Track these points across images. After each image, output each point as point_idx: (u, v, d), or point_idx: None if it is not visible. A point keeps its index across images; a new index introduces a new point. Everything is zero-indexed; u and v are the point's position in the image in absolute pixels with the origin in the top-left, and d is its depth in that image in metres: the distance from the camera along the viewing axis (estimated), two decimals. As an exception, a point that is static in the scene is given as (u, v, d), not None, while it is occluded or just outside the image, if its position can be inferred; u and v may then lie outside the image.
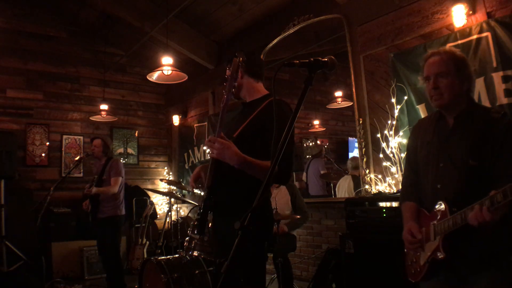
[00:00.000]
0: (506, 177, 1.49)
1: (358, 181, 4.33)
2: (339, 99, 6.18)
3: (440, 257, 1.62)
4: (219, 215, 2.07)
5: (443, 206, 1.66)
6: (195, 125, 6.80)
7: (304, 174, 6.39)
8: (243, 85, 2.21)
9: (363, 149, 4.00)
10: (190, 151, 6.93)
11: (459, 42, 3.23)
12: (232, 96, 2.27)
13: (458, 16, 3.21)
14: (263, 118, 2.02)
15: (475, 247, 1.61)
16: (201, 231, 2.08)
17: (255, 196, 1.27)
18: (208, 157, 6.26)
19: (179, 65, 5.35)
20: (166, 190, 6.76)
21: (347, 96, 5.92)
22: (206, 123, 6.46)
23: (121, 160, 5.46)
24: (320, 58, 1.38)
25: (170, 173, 7.55)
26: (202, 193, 2.18)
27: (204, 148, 6.49)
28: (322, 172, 6.07)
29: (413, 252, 1.80)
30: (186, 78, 4.56)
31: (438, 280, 1.71)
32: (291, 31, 4.77)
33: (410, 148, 1.96)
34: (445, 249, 1.61)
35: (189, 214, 6.92)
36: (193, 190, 2.35)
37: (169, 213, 5.57)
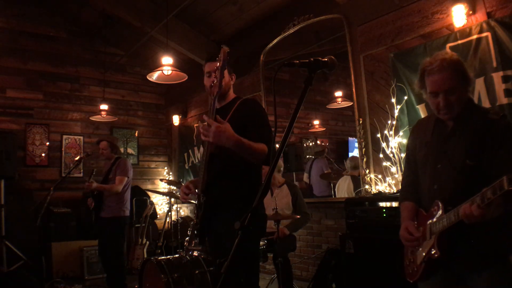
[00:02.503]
0: (501, 177, 1.49)
1: (357, 181, 4.33)
2: (339, 99, 6.17)
3: (435, 255, 1.62)
4: (214, 214, 2.08)
5: (438, 205, 1.67)
6: (195, 125, 6.80)
7: (306, 174, 6.38)
8: (230, 87, 2.31)
9: (363, 149, 4.00)
10: (190, 151, 6.93)
11: (459, 42, 3.23)
12: (214, 93, 2.30)
13: (458, 16, 3.21)
14: (240, 117, 2.11)
15: (472, 245, 1.62)
16: (203, 239, 2.12)
17: (247, 193, 1.27)
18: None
19: (179, 65, 5.35)
20: (166, 190, 6.76)
21: (347, 96, 5.91)
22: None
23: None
24: (320, 58, 1.38)
25: (170, 173, 7.56)
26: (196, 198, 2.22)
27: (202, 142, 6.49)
28: (326, 171, 6.05)
29: (410, 251, 1.81)
30: (186, 78, 4.56)
31: (436, 280, 1.72)
32: (291, 31, 4.77)
33: (410, 149, 1.98)
34: (439, 247, 1.62)
35: (189, 214, 6.93)
36: (184, 200, 2.40)
37: (169, 213, 5.57)
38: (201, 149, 6.54)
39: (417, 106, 3.52)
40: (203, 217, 2.09)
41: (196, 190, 2.18)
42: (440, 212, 1.65)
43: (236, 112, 2.16)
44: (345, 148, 7.48)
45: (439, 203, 1.67)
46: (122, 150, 7.12)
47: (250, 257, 1.99)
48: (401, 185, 2.03)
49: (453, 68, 1.69)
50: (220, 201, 2.07)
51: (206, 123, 1.91)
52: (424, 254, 1.69)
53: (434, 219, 1.67)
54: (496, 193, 1.38)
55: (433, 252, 1.63)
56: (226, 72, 2.23)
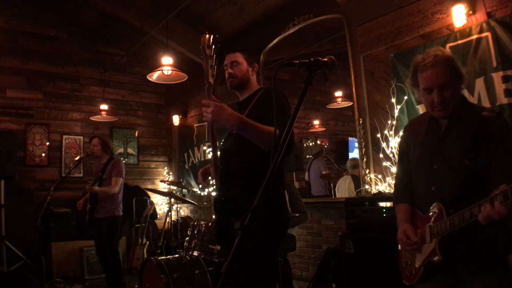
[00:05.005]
0: (502, 176, 1.48)
1: (358, 181, 4.33)
2: (339, 99, 6.18)
3: (436, 260, 1.61)
4: (231, 214, 2.04)
5: (439, 207, 1.64)
6: (195, 125, 6.80)
7: (306, 174, 6.39)
8: (250, 81, 2.24)
9: (363, 149, 4.00)
10: (190, 151, 6.93)
11: (459, 42, 3.23)
12: (231, 85, 2.24)
13: (458, 16, 3.21)
14: (260, 106, 2.04)
15: (473, 248, 1.60)
16: (223, 241, 2.05)
17: (265, 190, 1.24)
18: (209, 156, 6.27)
19: (179, 65, 5.35)
20: (166, 190, 6.76)
21: (347, 96, 5.92)
22: (206, 123, 6.46)
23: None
24: (320, 58, 1.38)
25: (170, 173, 7.55)
26: (207, 190, 2.17)
27: (205, 148, 6.49)
28: (324, 172, 6.06)
29: (408, 254, 1.78)
30: (186, 78, 4.56)
31: (434, 282, 1.70)
32: (291, 31, 4.77)
33: (403, 149, 1.94)
34: (441, 251, 1.60)
35: (189, 214, 6.93)
36: (203, 185, 2.32)
37: (169, 213, 5.56)
38: (201, 149, 6.58)
39: (417, 106, 3.52)
40: (221, 217, 2.06)
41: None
42: (440, 214, 1.63)
43: (256, 103, 2.11)
44: (345, 148, 7.48)
45: (440, 205, 1.64)
46: (122, 150, 7.13)
47: (257, 260, 1.92)
48: (395, 187, 1.99)
49: (446, 64, 1.67)
50: (238, 202, 1.99)
51: (202, 101, 1.79)
52: (424, 257, 1.67)
53: (435, 222, 1.64)
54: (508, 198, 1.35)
55: (436, 258, 1.61)
56: (244, 63, 2.20)
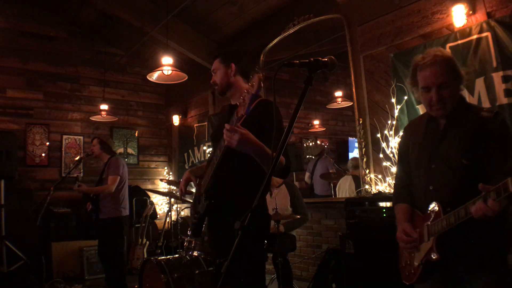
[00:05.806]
0: (499, 175, 1.49)
1: (359, 181, 4.33)
2: (339, 99, 6.18)
3: (434, 258, 1.61)
4: (219, 216, 2.06)
5: (436, 207, 1.65)
6: (195, 125, 6.81)
7: (307, 174, 6.39)
8: (233, 84, 2.20)
9: (363, 149, 4.00)
10: (190, 151, 6.93)
11: (459, 42, 3.23)
12: (217, 92, 2.26)
13: (458, 16, 3.21)
14: (256, 118, 1.98)
15: (470, 246, 1.61)
16: (198, 234, 2.09)
17: (254, 195, 1.27)
18: (208, 156, 6.27)
19: (179, 65, 5.34)
20: (166, 190, 6.76)
21: (347, 96, 5.92)
22: (206, 123, 6.46)
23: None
24: (320, 58, 1.38)
25: (170, 173, 7.56)
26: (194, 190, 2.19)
27: (205, 148, 6.49)
28: (331, 170, 6.04)
29: (407, 253, 1.79)
30: (186, 78, 4.56)
31: (433, 281, 1.70)
32: (291, 31, 4.76)
33: (402, 149, 1.95)
34: (438, 249, 1.61)
35: (189, 214, 6.93)
36: (183, 196, 2.35)
37: (169, 213, 5.57)
38: (201, 149, 6.58)
39: (417, 106, 3.52)
40: (202, 217, 2.07)
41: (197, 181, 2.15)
42: (438, 213, 1.64)
43: (253, 113, 2.10)
44: (345, 148, 7.49)
45: (437, 204, 1.65)
46: (122, 150, 7.12)
47: (252, 258, 1.96)
48: (394, 187, 2.00)
49: (446, 64, 1.68)
50: (224, 205, 2.02)
51: (228, 128, 1.77)
52: (422, 256, 1.68)
53: (433, 221, 1.65)
54: (501, 195, 1.36)
55: (433, 257, 1.62)
56: (221, 67, 2.17)
